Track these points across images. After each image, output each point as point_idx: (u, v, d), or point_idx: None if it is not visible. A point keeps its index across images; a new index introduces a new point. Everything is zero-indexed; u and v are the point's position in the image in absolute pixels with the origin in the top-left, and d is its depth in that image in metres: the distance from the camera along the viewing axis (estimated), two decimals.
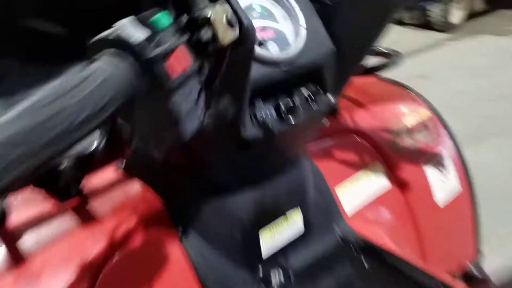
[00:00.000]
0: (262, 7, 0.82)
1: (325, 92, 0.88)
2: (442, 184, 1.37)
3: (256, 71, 0.76)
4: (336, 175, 1.18)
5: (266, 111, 0.79)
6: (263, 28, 0.80)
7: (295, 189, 1.01)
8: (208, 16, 0.58)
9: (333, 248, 1.06)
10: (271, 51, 0.80)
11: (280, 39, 0.82)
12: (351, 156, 1.22)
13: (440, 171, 1.37)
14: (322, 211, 1.10)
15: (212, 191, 0.90)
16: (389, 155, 1.28)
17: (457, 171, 1.40)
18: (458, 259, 1.42)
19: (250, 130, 0.78)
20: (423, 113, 1.45)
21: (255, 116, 0.79)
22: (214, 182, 0.90)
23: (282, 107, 0.81)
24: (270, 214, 0.97)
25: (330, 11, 0.86)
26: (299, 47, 0.81)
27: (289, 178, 0.99)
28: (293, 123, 0.82)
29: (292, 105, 0.81)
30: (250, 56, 0.68)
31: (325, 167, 1.13)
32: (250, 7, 0.81)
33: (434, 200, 1.35)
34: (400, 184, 1.28)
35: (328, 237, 1.07)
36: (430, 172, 1.34)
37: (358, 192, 1.20)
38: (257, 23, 0.79)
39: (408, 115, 1.41)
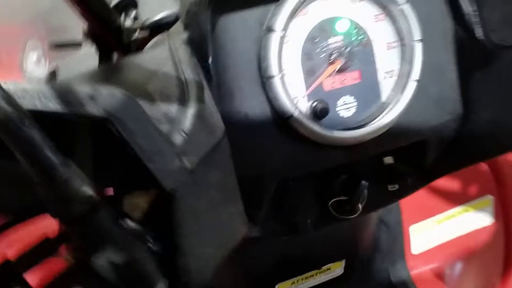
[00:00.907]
0: (355, 26, 0.45)
1: (419, 174, 0.53)
2: None
3: (300, 155, 0.45)
4: (424, 210, 0.89)
5: (298, 205, 0.49)
6: (341, 70, 0.44)
7: (344, 241, 0.74)
8: None
9: None
10: (342, 115, 0.46)
11: (366, 91, 0.46)
12: (455, 184, 0.88)
13: None
14: (380, 253, 0.85)
15: None
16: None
17: None
18: None
19: (265, 227, 0.50)
20: None
21: (281, 207, 0.49)
22: None
23: (333, 195, 0.50)
24: (297, 269, 0.73)
25: (482, 56, 0.46)
26: (397, 113, 0.46)
27: (339, 231, 0.71)
28: (346, 218, 0.51)
29: (350, 194, 0.49)
30: None
31: (414, 200, 0.85)
32: (327, 24, 0.44)
33: None
34: (508, 226, 0.94)
35: (375, 281, 0.86)
36: None
37: (443, 230, 0.90)
38: (330, 63, 0.44)
39: None
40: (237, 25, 0.41)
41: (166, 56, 0.35)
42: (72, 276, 0.26)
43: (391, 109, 0.46)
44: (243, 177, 0.45)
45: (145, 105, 0.29)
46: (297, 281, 0.74)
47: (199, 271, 0.30)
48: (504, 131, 0.48)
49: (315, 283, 0.76)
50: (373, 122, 0.46)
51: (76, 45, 0.46)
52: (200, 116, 0.31)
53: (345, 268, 0.77)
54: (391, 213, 0.84)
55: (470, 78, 0.47)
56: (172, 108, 0.30)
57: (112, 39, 0.41)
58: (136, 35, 0.44)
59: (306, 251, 0.70)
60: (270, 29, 0.41)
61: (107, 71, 0.34)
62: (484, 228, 0.93)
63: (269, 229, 0.50)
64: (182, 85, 0.32)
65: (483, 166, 0.91)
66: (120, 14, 0.44)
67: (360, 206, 0.49)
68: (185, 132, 0.29)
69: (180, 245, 0.28)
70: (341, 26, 0.44)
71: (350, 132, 0.45)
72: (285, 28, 0.41)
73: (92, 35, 0.41)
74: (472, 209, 0.90)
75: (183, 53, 0.36)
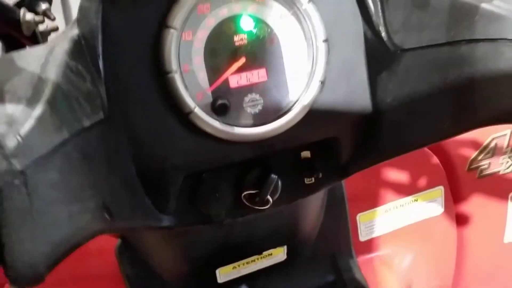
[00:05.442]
0: (260, 24, 0.45)
1: (334, 169, 0.54)
2: None
3: (204, 151, 0.46)
4: (373, 200, 0.91)
5: (213, 196, 0.50)
6: (247, 68, 0.45)
7: (283, 228, 0.76)
8: None
9: (320, 282, 0.89)
10: (250, 111, 0.47)
11: (273, 89, 0.47)
12: (405, 176, 0.89)
13: None
14: (324, 239, 0.87)
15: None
16: (463, 181, 0.92)
17: None
18: None
19: (179, 217, 0.51)
20: None
21: (195, 197, 0.51)
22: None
23: (246, 186, 0.51)
24: (237, 254, 0.75)
25: (387, 58, 0.47)
26: (301, 111, 0.47)
27: (277, 217, 0.73)
28: (259, 209, 0.53)
29: (261, 187, 0.51)
30: None
31: (363, 190, 0.85)
32: (231, 21, 0.45)
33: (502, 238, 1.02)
34: (460, 216, 0.96)
35: (319, 270, 0.88)
36: None
37: (391, 219, 0.92)
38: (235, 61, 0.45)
39: None
40: (132, 20, 0.42)
41: (42, 54, 0.36)
42: None
43: (296, 107, 0.47)
44: (146, 171, 0.46)
45: None
46: (239, 266, 0.76)
47: (31, 267, 0.31)
48: (407, 132, 0.49)
49: (258, 268, 0.78)
50: (278, 120, 0.47)
51: None
52: (44, 118, 0.31)
53: (287, 253, 0.79)
54: (335, 201, 0.85)
55: (377, 79, 0.48)
56: (18, 109, 0.31)
57: (15, 33, 0.42)
58: (45, 27, 0.44)
59: (246, 236, 0.72)
60: (167, 26, 0.42)
61: None
62: (433, 218, 0.94)
63: (184, 219, 0.51)
64: (39, 85, 0.33)
65: (434, 159, 0.92)
66: (28, 6, 0.45)
67: (270, 198, 0.51)
68: (20, 135, 0.30)
69: (4, 243, 0.28)
70: (246, 24, 0.45)
71: (252, 128, 0.46)
72: (182, 25, 0.42)
73: None
74: (422, 199, 0.92)
75: (59, 51, 0.36)
